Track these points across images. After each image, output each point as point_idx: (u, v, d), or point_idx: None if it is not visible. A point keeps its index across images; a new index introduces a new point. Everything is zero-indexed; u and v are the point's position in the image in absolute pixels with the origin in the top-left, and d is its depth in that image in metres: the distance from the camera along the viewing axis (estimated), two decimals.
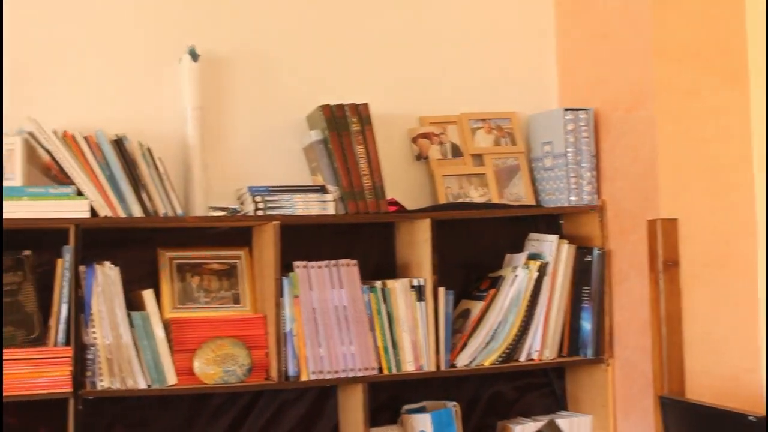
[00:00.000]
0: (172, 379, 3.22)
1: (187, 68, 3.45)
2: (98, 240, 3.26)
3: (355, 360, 3.36)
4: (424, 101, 3.76)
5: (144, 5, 3.51)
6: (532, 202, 3.73)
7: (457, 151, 3.73)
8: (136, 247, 3.39)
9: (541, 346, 3.56)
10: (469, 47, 3.83)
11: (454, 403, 3.54)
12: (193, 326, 3.29)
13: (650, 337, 3.45)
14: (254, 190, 3.36)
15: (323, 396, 3.55)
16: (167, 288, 3.37)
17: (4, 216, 3.11)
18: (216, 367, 3.24)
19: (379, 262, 3.62)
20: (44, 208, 3.16)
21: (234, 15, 3.60)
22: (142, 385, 3.18)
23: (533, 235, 3.72)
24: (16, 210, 3.14)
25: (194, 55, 3.44)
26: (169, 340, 3.24)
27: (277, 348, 3.29)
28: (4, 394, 3.07)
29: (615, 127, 3.63)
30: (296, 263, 3.35)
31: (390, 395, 3.57)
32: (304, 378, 3.31)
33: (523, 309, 3.53)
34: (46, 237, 3.26)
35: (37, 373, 3.10)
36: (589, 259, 3.63)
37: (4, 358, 3.07)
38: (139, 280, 3.35)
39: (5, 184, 3.16)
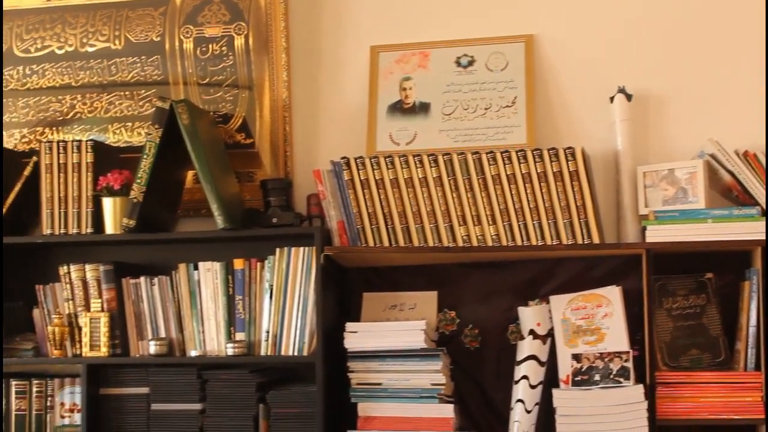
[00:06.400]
0: None
1: None
2: None
3: None
4: None
5: None
6: None
7: None
8: None
9: None
10: None
11: None
12: None
13: None
14: None
15: None
16: None
17: (689, 239, 3.13)
18: None
19: None
20: (727, 230, 3.13)
21: None
22: None
23: None
24: (699, 233, 3.14)
25: None
26: None
27: None
28: (694, 417, 3.09)
29: None
30: None
31: None
32: None
33: None
34: (727, 259, 3.22)
35: (727, 397, 3.07)
36: None
37: (693, 381, 3.10)
38: None
39: (689, 207, 3.18)
